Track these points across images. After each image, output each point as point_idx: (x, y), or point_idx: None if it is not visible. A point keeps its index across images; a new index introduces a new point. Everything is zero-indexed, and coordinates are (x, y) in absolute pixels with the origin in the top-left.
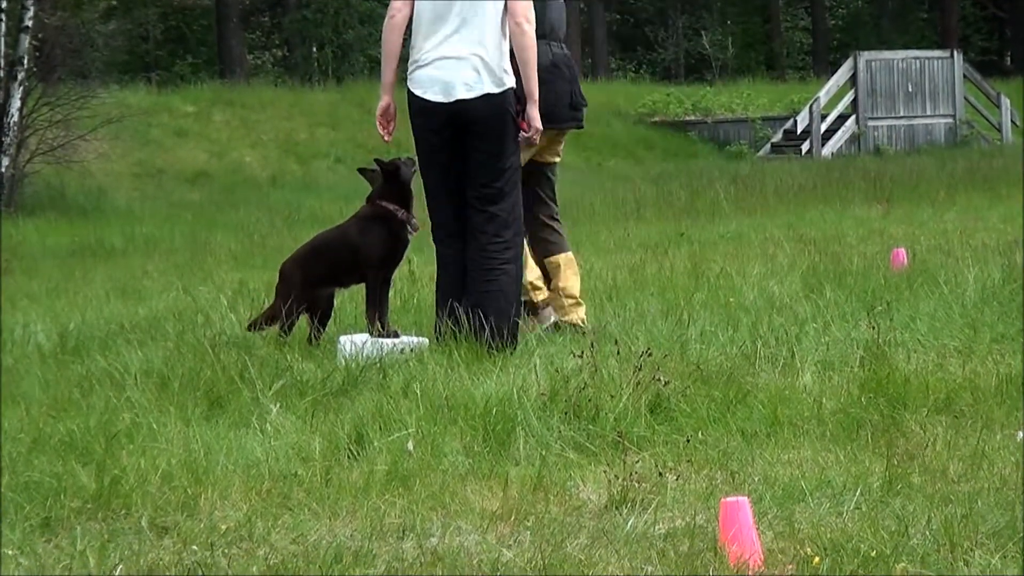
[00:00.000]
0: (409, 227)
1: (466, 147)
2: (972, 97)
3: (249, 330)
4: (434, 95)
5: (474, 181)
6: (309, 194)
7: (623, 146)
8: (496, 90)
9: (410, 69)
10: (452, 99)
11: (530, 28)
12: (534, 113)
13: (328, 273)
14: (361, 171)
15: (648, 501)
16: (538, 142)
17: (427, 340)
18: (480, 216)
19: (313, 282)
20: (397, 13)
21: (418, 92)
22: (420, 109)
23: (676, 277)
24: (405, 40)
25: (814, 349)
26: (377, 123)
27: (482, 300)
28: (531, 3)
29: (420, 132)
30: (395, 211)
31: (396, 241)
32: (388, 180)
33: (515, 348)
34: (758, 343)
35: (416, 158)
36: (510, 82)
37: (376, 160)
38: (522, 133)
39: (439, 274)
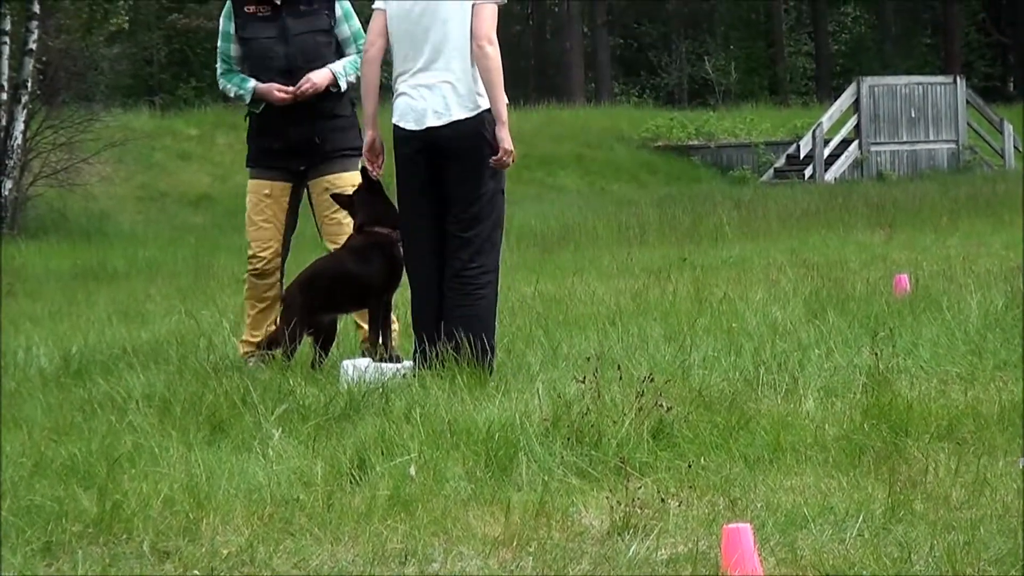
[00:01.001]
0: (401, 246)
1: (443, 173)
2: (975, 123)
3: (246, 354)
4: (407, 123)
5: (451, 207)
6: (310, 218)
7: (626, 170)
8: (465, 115)
9: (393, 98)
10: (423, 127)
11: (492, 50)
12: (503, 135)
13: (328, 300)
14: (334, 197)
15: (650, 527)
16: (510, 164)
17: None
18: (456, 241)
19: (315, 308)
20: (371, 47)
21: (395, 120)
22: (398, 136)
23: (679, 302)
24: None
25: (817, 375)
26: (365, 158)
27: (457, 325)
28: (494, 24)
29: (398, 158)
30: (388, 235)
31: (393, 264)
32: (372, 201)
33: (491, 373)
34: (760, 369)
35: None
36: (484, 104)
37: (362, 172)
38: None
39: (413, 302)
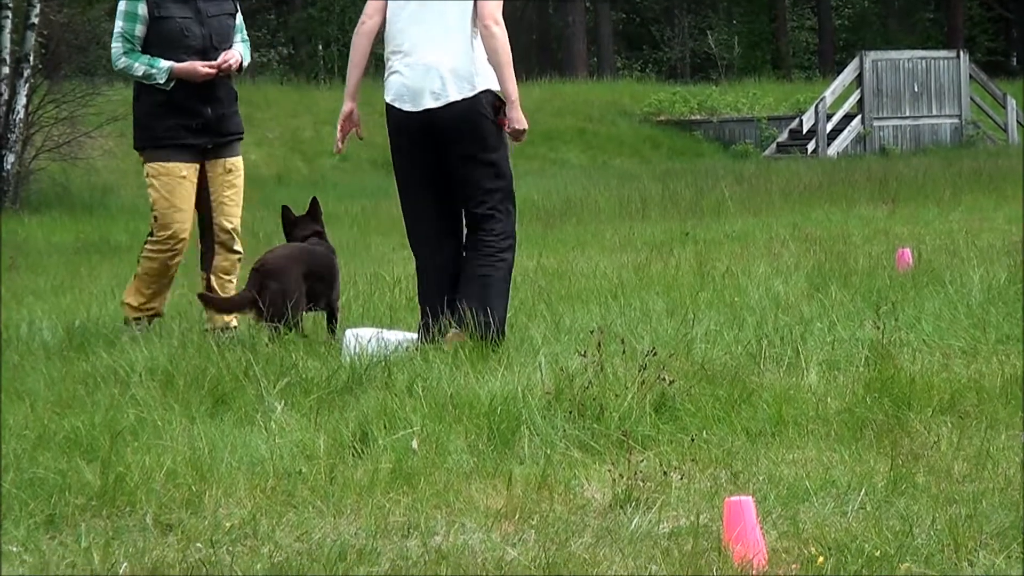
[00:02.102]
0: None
1: (444, 154)
2: (978, 97)
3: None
4: (402, 104)
5: (458, 188)
6: (315, 192)
7: (629, 145)
8: (461, 96)
9: (385, 75)
10: (420, 108)
11: (499, 30)
12: (515, 115)
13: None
14: (285, 208)
15: (652, 500)
16: (522, 140)
17: None
18: (471, 217)
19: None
20: (368, 20)
21: (390, 99)
22: (393, 117)
23: (681, 276)
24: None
25: (819, 349)
26: (338, 128)
27: (476, 291)
28: (500, 4)
29: (395, 139)
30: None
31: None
32: (313, 221)
33: (502, 339)
34: (763, 342)
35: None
36: (483, 84)
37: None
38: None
39: (419, 278)
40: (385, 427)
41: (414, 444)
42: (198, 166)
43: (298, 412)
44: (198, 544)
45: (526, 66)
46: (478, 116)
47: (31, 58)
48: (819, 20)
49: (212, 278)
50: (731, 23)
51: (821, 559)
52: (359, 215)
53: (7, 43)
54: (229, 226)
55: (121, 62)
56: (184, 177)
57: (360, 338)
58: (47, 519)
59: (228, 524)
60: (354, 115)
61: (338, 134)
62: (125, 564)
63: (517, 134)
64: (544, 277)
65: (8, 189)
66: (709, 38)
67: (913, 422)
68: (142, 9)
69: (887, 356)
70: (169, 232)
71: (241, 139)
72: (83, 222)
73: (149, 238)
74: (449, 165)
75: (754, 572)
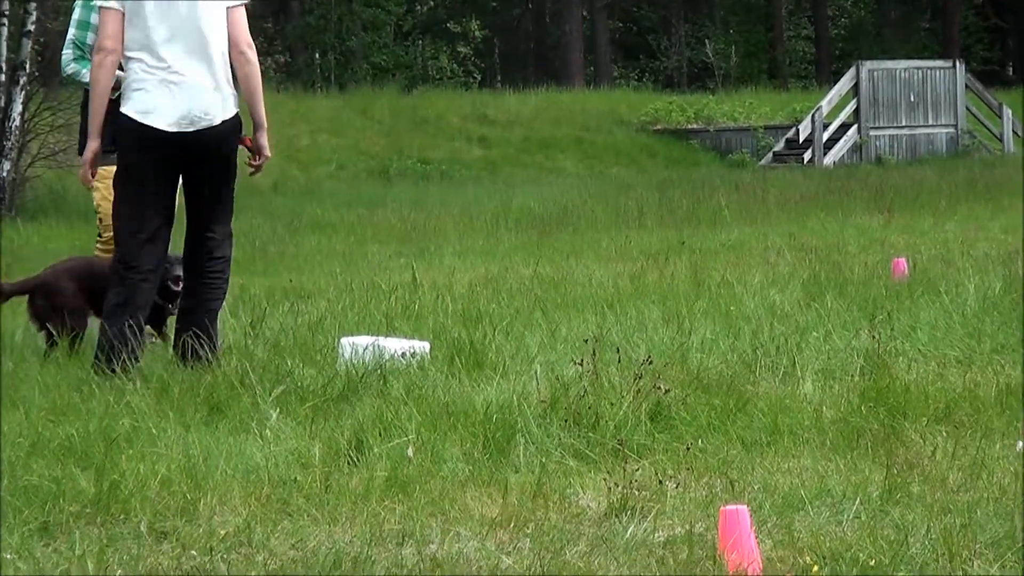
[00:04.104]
0: None
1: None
2: (974, 107)
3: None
4: (164, 123)
5: (199, 203)
6: (311, 200)
7: (625, 154)
8: (229, 117)
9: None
10: (196, 128)
11: (253, 55)
12: (264, 141)
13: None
14: None
15: (648, 509)
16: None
17: (428, 344)
18: (199, 238)
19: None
20: (112, 54)
21: (139, 115)
22: (146, 135)
23: (677, 285)
24: None
25: (815, 358)
26: (85, 169)
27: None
28: (247, 27)
29: (142, 157)
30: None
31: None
32: None
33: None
34: (759, 352)
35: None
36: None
37: None
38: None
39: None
40: (380, 435)
41: (409, 452)
42: None
43: (293, 420)
44: (193, 552)
45: (523, 75)
46: (236, 137)
47: (27, 65)
48: (816, 29)
49: None
50: (728, 32)
51: (816, 568)
52: (355, 223)
53: (3, 50)
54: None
55: (69, 68)
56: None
57: (356, 346)
58: (41, 526)
59: (223, 532)
60: (98, 155)
61: (87, 174)
62: (119, 572)
63: (264, 160)
64: (540, 286)
65: (4, 196)
66: (706, 47)
67: (908, 431)
68: (94, 18)
69: (882, 365)
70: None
71: None
72: (78, 229)
73: (98, 239)
74: (198, 185)
75: None
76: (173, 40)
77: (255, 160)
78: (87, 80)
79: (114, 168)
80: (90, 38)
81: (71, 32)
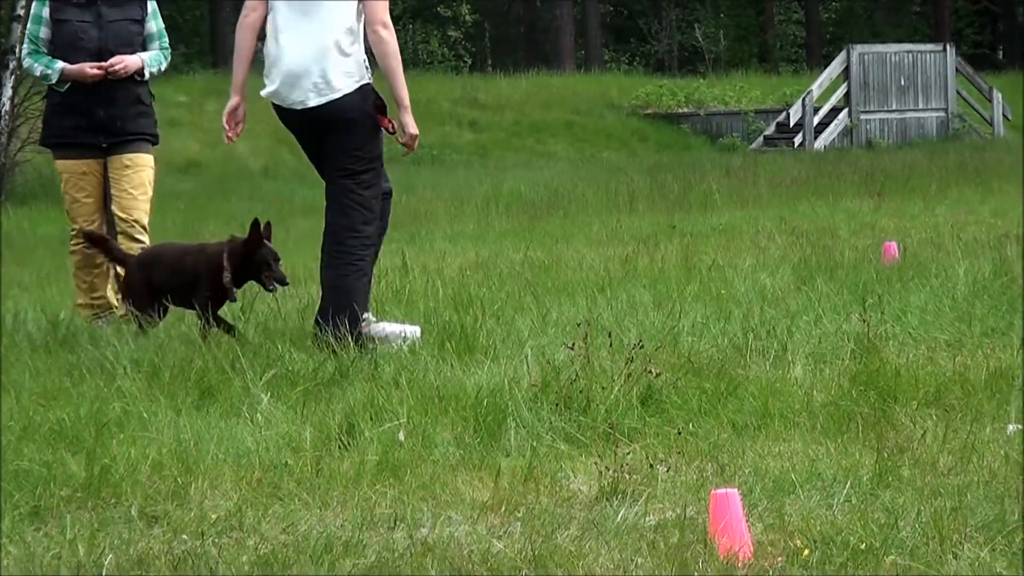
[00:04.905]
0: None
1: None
2: (964, 91)
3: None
4: (280, 100)
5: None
6: (302, 184)
7: (616, 138)
8: (336, 95)
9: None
10: (308, 106)
11: (388, 34)
12: (407, 119)
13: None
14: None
15: (639, 493)
16: (415, 148)
17: (419, 328)
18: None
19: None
20: (252, 12)
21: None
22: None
23: (668, 269)
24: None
25: (805, 342)
26: (224, 121)
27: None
28: (386, 6)
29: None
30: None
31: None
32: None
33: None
34: (749, 335)
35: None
36: (344, 87)
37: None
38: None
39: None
40: (371, 419)
41: (400, 436)
42: (102, 161)
43: (284, 404)
44: (184, 536)
45: (513, 59)
46: (357, 111)
47: (16, 49)
48: (806, 13)
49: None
50: (718, 16)
51: (806, 551)
52: None
53: None
54: (128, 216)
55: (25, 63)
56: (84, 173)
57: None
58: (32, 510)
59: (214, 516)
60: (239, 110)
61: (225, 126)
62: (110, 556)
63: (410, 139)
64: (531, 270)
65: None
66: (696, 31)
67: (898, 415)
68: (45, 12)
69: (873, 349)
70: (77, 225)
71: (149, 139)
72: None
73: (71, 232)
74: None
75: (739, 565)
76: (291, 21)
77: (400, 139)
78: (37, 75)
79: (71, 163)
80: (43, 32)
81: (28, 27)
